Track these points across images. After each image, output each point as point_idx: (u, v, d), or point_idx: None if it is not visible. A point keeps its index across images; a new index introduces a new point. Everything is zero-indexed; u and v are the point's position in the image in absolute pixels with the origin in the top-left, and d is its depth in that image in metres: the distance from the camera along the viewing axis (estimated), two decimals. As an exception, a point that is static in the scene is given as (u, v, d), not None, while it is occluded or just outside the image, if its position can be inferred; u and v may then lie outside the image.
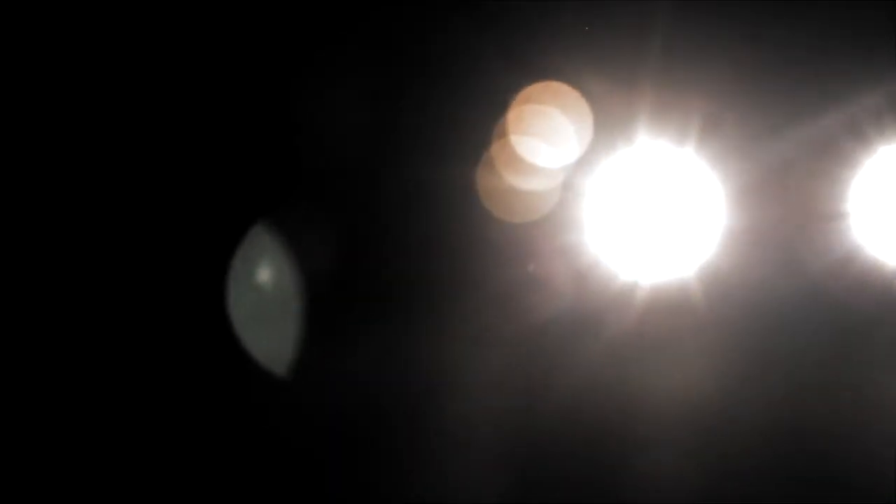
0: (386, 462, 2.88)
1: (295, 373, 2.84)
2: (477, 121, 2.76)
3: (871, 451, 2.79)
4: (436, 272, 2.85)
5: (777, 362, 2.84)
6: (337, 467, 2.90)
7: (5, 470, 2.86)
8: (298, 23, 2.82)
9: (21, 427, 2.87)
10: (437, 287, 2.85)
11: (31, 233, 2.86)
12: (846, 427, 2.83)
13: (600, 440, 2.86)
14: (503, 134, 2.77)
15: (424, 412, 2.86)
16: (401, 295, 2.86)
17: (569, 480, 2.88)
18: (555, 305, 2.83)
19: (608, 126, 2.80)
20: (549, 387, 2.85)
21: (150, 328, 2.88)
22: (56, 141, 2.85)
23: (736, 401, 2.84)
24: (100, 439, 2.90)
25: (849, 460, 2.83)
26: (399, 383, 2.85)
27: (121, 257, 2.88)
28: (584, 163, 2.81)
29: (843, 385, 2.84)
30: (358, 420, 2.87)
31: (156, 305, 2.89)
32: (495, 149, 2.78)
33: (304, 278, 2.85)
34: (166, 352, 2.88)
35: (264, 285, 2.85)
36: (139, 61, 2.84)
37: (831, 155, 2.83)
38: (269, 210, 2.86)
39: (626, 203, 2.86)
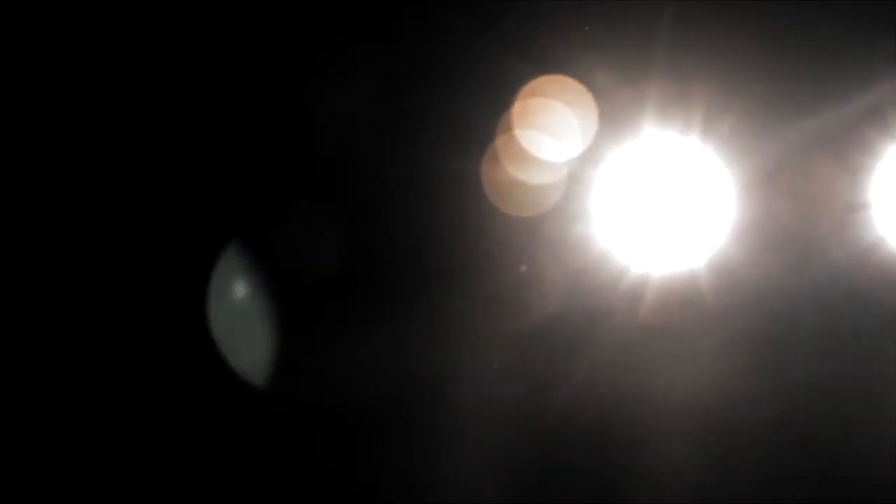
0: (387, 462, 2.87)
1: (294, 371, 2.83)
2: (482, 115, 2.75)
3: (884, 449, 2.77)
4: (441, 266, 2.83)
5: (788, 357, 2.81)
6: (335, 468, 2.88)
7: None
8: (301, 14, 2.80)
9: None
10: (442, 281, 2.83)
11: (11, 237, 2.85)
12: (858, 423, 2.80)
13: (607, 434, 2.84)
14: (508, 128, 2.76)
15: (429, 408, 2.84)
16: (407, 289, 2.84)
17: (575, 476, 2.86)
18: (562, 299, 2.81)
19: (616, 118, 2.78)
20: (555, 381, 2.83)
21: (146, 326, 2.88)
22: (45, 139, 2.84)
23: (746, 396, 2.81)
24: (102, 436, 2.90)
25: (861, 458, 2.80)
26: (404, 379, 2.84)
27: (117, 256, 2.87)
28: (590, 155, 2.79)
29: (856, 381, 2.81)
30: (360, 418, 2.86)
31: (154, 304, 2.88)
32: (500, 142, 2.76)
33: (309, 274, 2.84)
34: (159, 350, 2.86)
35: (245, 296, 2.84)
36: (136, 58, 2.82)
37: (845, 145, 2.80)
38: (271, 205, 2.85)
39: (635, 195, 2.84)
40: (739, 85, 2.79)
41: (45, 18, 2.82)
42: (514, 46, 2.75)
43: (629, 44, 2.77)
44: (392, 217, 2.84)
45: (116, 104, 2.84)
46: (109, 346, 2.86)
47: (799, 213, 2.80)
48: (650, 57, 2.76)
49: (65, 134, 2.85)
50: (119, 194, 2.85)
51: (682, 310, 2.80)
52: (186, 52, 2.81)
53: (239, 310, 2.84)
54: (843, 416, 2.82)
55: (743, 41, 2.79)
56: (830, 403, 2.82)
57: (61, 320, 2.85)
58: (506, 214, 2.78)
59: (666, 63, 2.76)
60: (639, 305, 2.79)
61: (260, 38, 2.80)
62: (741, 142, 2.80)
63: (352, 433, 2.88)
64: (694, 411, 2.82)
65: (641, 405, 2.82)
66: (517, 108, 2.75)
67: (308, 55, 2.81)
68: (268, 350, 2.84)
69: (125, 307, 2.87)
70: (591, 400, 2.82)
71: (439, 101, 2.78)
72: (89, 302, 2.85)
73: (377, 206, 2.85)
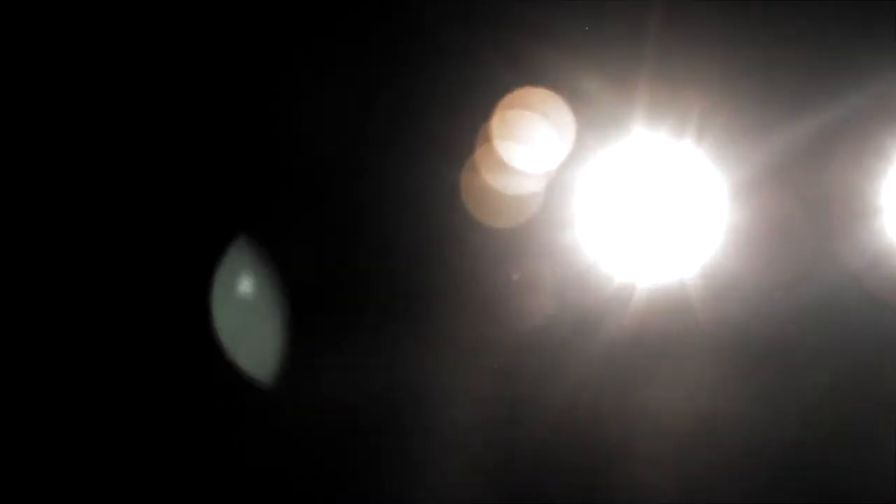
0: (374, 472, 2.87)
1: (282, 381, 2.82)
2: (465, 125, 2.68)
3: (882, 465, 2.72)
4: (426, 278, 2.80)
5: (781, 369, 2.75)
6: (326, 476, 2.89)
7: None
8: (276, 26, 2.75)
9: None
10: (424, 292, 2.80)
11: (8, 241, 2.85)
12: (852, 433, 2.75)
13: (595, 443, 2.81)
14: (491, 137, 2.69)
15: (416, 417, 2.83)
16: (388, 301, 2.81)
17: (563, 484, 2.84)
18: (549, 309, 2.77)
19: (604, 121, 2.70)
20: (542, 392, 2.80)
21: (141, 329, 2.88)
22: (31, 144, 2.82)
23: (736, 409, 2.77)
24: (106, 436, 2.91)
25: (853, 467, 2.75)
26: (387, 391, 2.82)
27: (107, 262, 2.86)
28: (578, 161, 2.72)
29: (851, 391, 2.76)
30: (348, 428, 2.86)
31: (150, 306, 2.87)
32: (483, 153, 2.69)
33: (290, 286, 2.81)
34: (157, 355, 2.86)
35: (248, 294, 2.82)
36: (123, 62, 2.79)
37: (845, 147, 2.71)
38: (252, 218, 2.82)
39: (624, 201, 2.77)
40: (732, 84, 2.70)
41: (41, 19, 2.79)
42: (498, 53, 2.67)
43: (618, 46, 2.68)
44: (375, 228, 2.80)
45: (104, 108, 2.81)
46: (113, 347, 2.87)
47: (795, 219, 2.72)
48: (639, 58, 2.68)
49: (55, 140, 2.83)
50: (118, 196, 2.84)
51: (673, 320, 2.74)
52: (167, 54, 2.75)
53: (236, 317, 2.83)
54: (837, 426, 2.77)
55: (736, 39, 2.70)
56: (825, 415, 2.76)
57: (64, 323, 2.86)
58: (492, 224, 2.73)
59: (655, 64, 2.68)
60: (629, 315, 2.74)
61: (233, 55, 2.74)
62: (734, 145, 2.71)
63: (338, 441, 2.87)
64: (683, 422, 2.78)
65: (630, 415, 2.78)
66: (501, 118, 2.68)
67: (286, 66, 2.75)
68: (254, 360, 2.83)
69: (128, 308, 2.87)
70: (577, 411, 2.79)
71: (418, 111, 2.72)
72: (92, 304, 2.86)
73: (359, 218, 2.81)
